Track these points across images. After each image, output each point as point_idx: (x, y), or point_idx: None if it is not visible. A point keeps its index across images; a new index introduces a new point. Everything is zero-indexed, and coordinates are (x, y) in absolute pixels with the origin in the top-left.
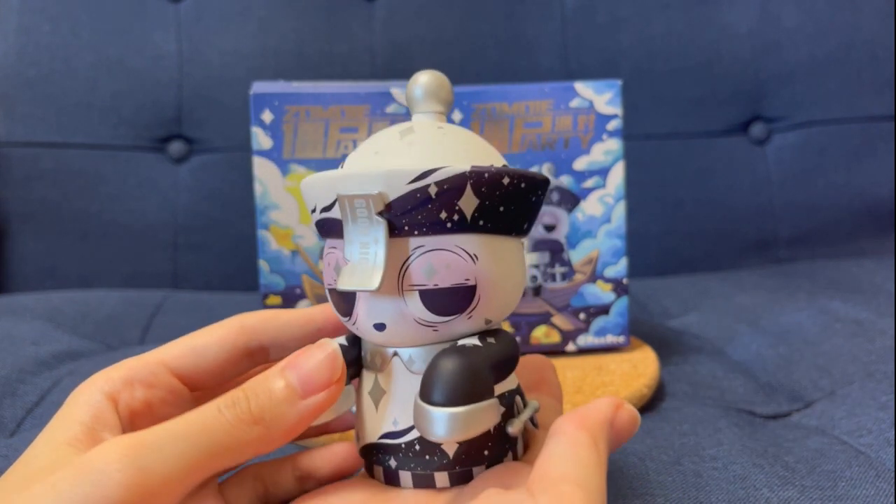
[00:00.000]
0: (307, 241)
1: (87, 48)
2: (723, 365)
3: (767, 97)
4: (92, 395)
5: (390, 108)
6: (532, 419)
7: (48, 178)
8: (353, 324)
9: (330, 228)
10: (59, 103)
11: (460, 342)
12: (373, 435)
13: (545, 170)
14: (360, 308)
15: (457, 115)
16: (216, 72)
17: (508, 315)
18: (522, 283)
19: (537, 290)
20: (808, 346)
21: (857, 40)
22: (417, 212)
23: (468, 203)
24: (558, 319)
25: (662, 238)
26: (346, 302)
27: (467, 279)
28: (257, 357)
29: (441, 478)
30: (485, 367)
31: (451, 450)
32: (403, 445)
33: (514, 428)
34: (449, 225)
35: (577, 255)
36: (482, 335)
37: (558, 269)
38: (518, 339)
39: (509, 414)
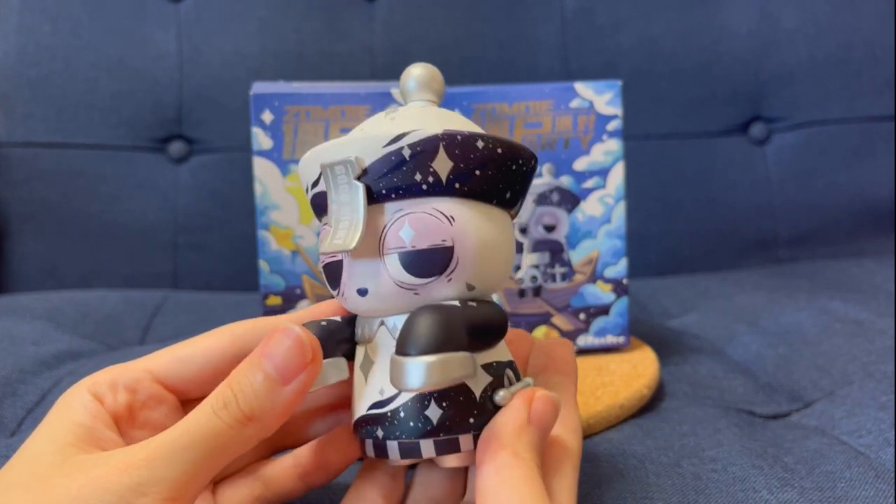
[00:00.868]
0: (307, 242)
1: (87, 48)
2: (723, 365)
3: (767, 97)
4: (83, 396)
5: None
6: None
7: (48, 178)
8: (342, 295)
9: (320, 204)
10: (59, 103)
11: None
12: (363, 407)
13: (545, 170)
14: (345, 275)
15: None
16: (216, 72)
17: (497, 286)
18: (510, 254)
19: (537, 291)
20: (807, 346)
21: (857, 40)
22: (393, 174)
23: (442, 165)
24: (558, 320)
25: (662, 238)
26: (334, 272)
27: (444, 240)
28: None
29: (426, 446)
30: (458, 322)
31: (434, 416)
32: (389, 414)
33: (500, 397)
34: (424, 187)
35: (577, 256)
36: (465, 301)
37: (558, 270)
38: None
39: (498, 384)
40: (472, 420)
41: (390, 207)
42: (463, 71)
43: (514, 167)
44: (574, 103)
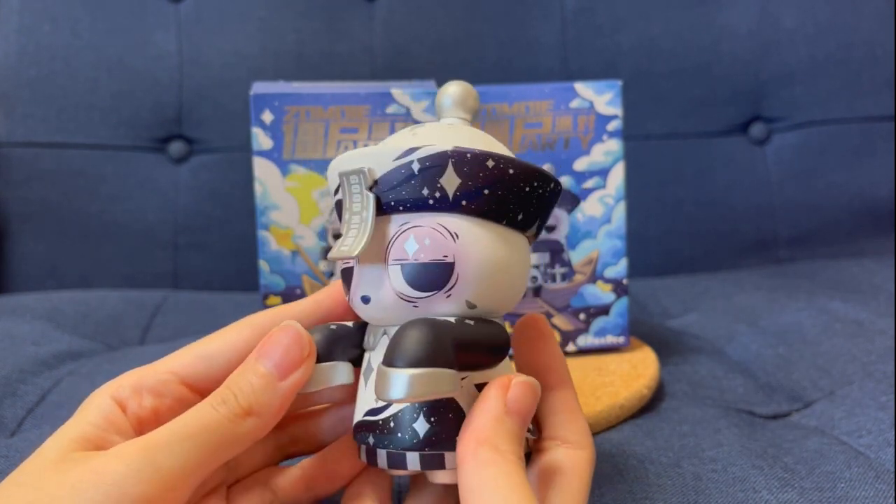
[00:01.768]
0: (307, 242)
1: (88, 48)
2: (722, 365)
3: (767, 97)
4: (103, 400)
5: (391, 109)
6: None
7: (48, 178)
8: (351, 301)
9: (339, 211)
10: (59, 103)
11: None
12: (360, 413)
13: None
14: (353, 282)
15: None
16: (216, 72)
17: (503, 307)
18: (520, 277)
19: (537, 291)
20: (807, 346)
21: (856, 40)
22: (402, 187)
23: (450, 181)
24: (558, 320)
25: (662, 238)
26: (346, 279)
27: (445, 256)
28: None
29: (412, 458)
30: (446, 338)
31: (422, 430)
32: (381, 422)
33: None
34: (431, 202)
35: (577, 256)
36: (462, 318)
37: (558, 270)
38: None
39: None
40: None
41: (398, 219)
42: (463, 71)
43: (527, 189)
44: (574, 103)
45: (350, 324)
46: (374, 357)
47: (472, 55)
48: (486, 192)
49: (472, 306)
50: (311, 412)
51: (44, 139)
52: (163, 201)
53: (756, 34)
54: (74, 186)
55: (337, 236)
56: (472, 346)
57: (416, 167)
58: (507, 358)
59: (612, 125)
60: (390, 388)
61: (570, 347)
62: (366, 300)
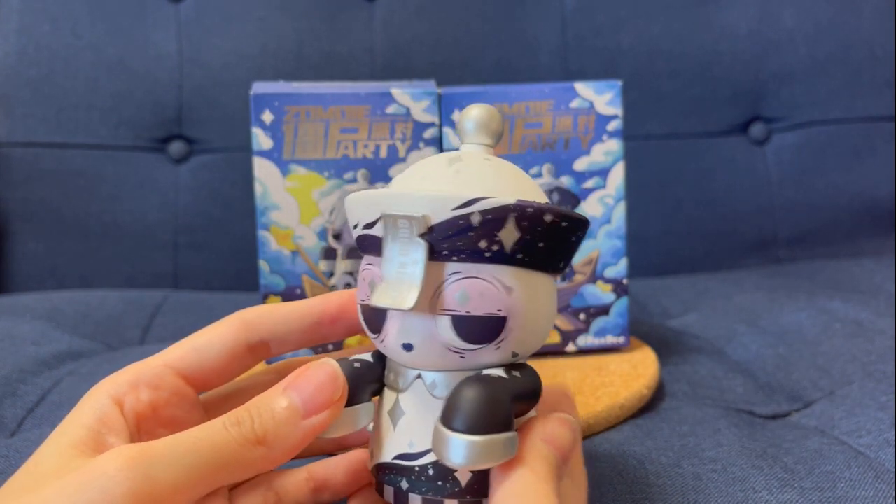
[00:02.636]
0: (307, 242)
1: (88, 48)
2: (722, 365)
3: (767, 97)
4: (98, 399)
5: (391, 109)
6: None
7: (48, 178)
8: (382, 342)
9: (370, 245)
10: (60, 103)
11: (485, 372)
12: (388, 454)
13: (545, 170)
14: (391, 327)
15: (457, 116)
16: (216, 72)
17: (536, 349)
18: (552, 320)
19: None
20: (807, 346)
21: (856, 40)
22: (458, 238)
23: (509, 235)
24: (558, 320)
25: (662, 238)
26: (377, 319)
27: (499, 310)
28: (259, 352)
29: None
30: (507, 399)
31: (463, 478)
32: (417, 468)
33: None
34: (487, 255)
35: (577, 256)
36: (507, 368)
37: None
38: None
39: None
40: None
41: (449, 268)
42: (463, 71)
43: (573, 238)
44: (574, 103)
45: (369, 356)
46: (403, 400)
47: (472, 55)
48: (541, 245)
49: (515, 355)
50: None
51: (44, 139)
52: (163, 201)
53: (756, 34)
54: (74, 186)
55: (337, 236)
56: (522, 400)
57: (476, 219)
58: None
59: (613, 125)
60: (450, 453)
61: (570, 347)
62: (408, 347)
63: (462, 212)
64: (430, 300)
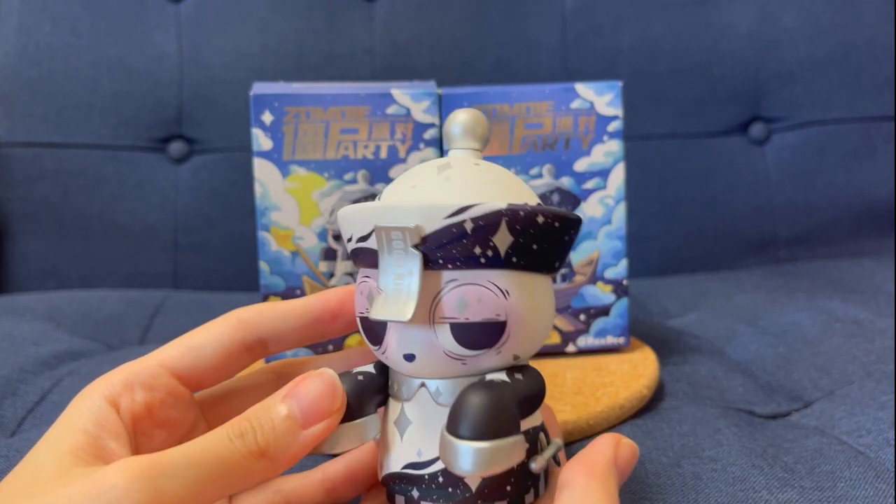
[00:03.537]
0: (307, 243)
1: (87, 48)
2: (722, 365)
3: (767, 97)
4: (94, 401)
5: (390, 110)
6: (555, 457)
7: (49, 178)
8: (383, 353)
9: (365, 258)
10: (60, 103)
11: (488, 377)
12: (396, 464)
13: (545, 171)
14: (391, 338)
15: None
16: (216, 72)
17: (536, 350)
18: (551, 320)
19: None
20: (807, 346)
21: (857, 40)
22: (452, 246)
23: (502, 240)
24: (558, 321)
25: (662, 238)
26: (377, 331)
27: (498, 314)
28: (256, 351)
29: None
30: (512, 403)
31: (473, 484)
32: (427, 477)
33: (537, 465)
34: (482, 260)
35: (577, 257)
36: (510, 371)
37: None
38: None
39: (532, 451)
40: (508, 488)
41: (445, 276)
42: (463, 71)
43: (566, 238)
44: (575, 104)
45: (372, 368)
46: (409, 408)
47: (472, 55)
48: (534, 247)
49: (516, 357)
50: None
51: (44, 139)
52: (163, 201)
53: (756, 34)
54: (74, 186)
55: (337, 237)
56: (527, 403)
57: (469, 226)
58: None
59: (613, 126)
60: (458, 461)
61: (570, 348)
62: (409, 358)
63: (454, 220)
64: (429, 310)
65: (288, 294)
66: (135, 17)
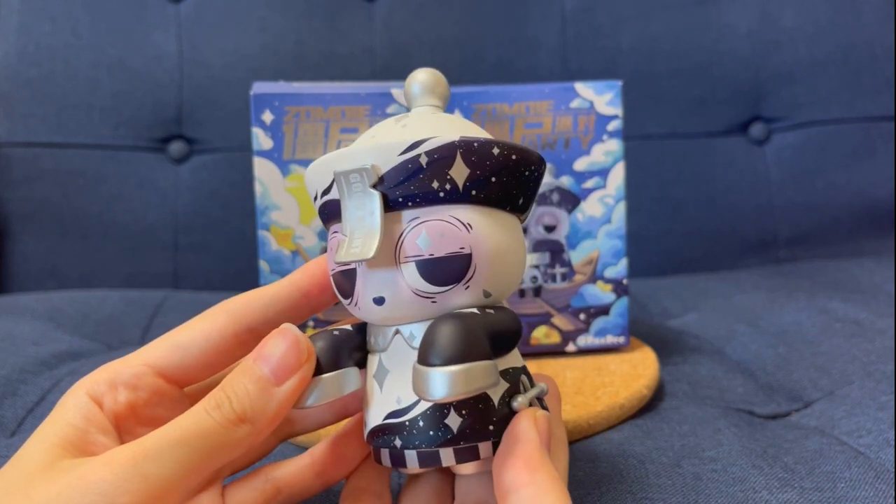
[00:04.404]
0: (307, 242)
1: (87, 48)
2: (722, 365)
3: (767, 97)
4: (79, 398)
5: (391, 109)
6: (541, 401)
7: (48, 178)
8: (356, 304)
9: (331, 212)
10: (59, 103)
11: (458, 311)
12: (378, 417)
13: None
14: (359, 284)
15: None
16: (216, 72)
17: (509, 292)
18: (522, 260)
19: (537, 291)
20: (807, 346)
21: (856, 40)
22: (410, 182)
23: (459, 172)
24: (558, 320)
25: (662, 238)
26: (347, 281)
27: (462, 248)
28: (248, 343)
29: (446, 454)
30: (480, 331)
31: (454, 424)
32: (407, 423)
33: (518, 403)
34: (441, 195)
35: (577, 256)
36: (481, 307)
37: (558, 270)
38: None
39: (514, 391)
40: (491, 427)
41: (406, 215)
42: (463, 71)
43: (526, 173)
44: (574, 103)
45: (349, 326)
46: (386, 358)
47: (472, 55)
48: (493, 179)
49: (487, 294)
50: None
51: (44, 139)
52: (163, 201)
53: (756, 34)
54: (74, 186)
55: None
56: (498, 335)
57: (423, 160)
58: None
59: (613, 125)
60: (431, 388)
61: (570, 347)
62: (379, 301)
63: (409, 155)
64: (394, 250)
65: None
66: (135, 17)
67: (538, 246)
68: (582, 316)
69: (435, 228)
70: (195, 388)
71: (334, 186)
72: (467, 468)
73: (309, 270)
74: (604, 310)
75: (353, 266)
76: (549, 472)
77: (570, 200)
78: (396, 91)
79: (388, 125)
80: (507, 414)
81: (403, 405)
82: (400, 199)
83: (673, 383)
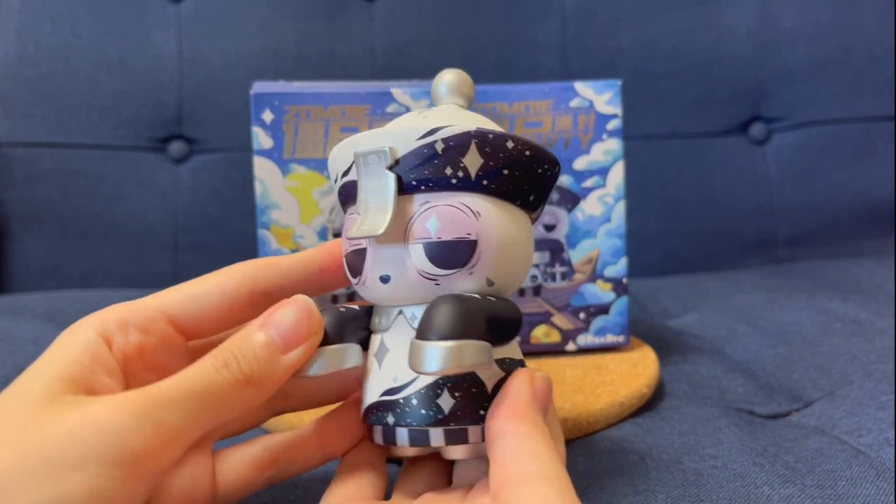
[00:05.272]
0: (308, 241)
1: (87, 48)
2: (722, 365)
3: (767, 97)
4: (87, 335)
5: (391, 108)
6: None
7: (49, 178)
8: (364, 283)
9: (349, 193)
10: (60, 103)
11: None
12: (374, 394)
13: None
14: (368, 262)
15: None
16: (216, 72)
17: (514, 285)
18: (528, 254)
19: (537, 290)
20: (807, 345)
21: (857, 40)
22: (424, 167)
23: (472, 161)
24: (558, 319)
25: (662, 238)
26: (358, 259)
27: (469, 234)
28: (260, 305)
29: (436, 434)
30: (478, 312)
31: (446, 405)
32: (401, 400)
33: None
34: (454, 181)
35: (576, 255)
36: (484, 295)
37: (558, 269)
38: (518, 339)
39: None
40: (482, 412)
41: (419, 199)
42: (463, 70)
43: (539, 171)
44: (574, 103)
45: (357, 307)
46: (387, 338)
47: (472, 55)
48: (505, 172)
49: (490, 283)
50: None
51: (44, 139)
52: (163, 201)
53: (756, 34)
54: (74, 186)
55: (337, 235)
56: (496, 321)
57: (439, 147)
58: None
59: (612, 124)
60: (425, 361)
61: (570, 346)
62: (385, 279)
63: (426, 140)
64: (404, 231)
65: None
66: (135, 17)
67: (538, 245)
68: (582, 315)
69: (445, 213)
70: (197, 344)
71: (353, 168)
72: (456, 451)
73: (327, 248)
74: (603, 309)
75: (364, 246)
76: (535, 423)
77: (570, 199)
78: (396, 90)
79: (410, 116)
80: None
81: (400, 382)
82: (414, 183)
83: (673, 383)
